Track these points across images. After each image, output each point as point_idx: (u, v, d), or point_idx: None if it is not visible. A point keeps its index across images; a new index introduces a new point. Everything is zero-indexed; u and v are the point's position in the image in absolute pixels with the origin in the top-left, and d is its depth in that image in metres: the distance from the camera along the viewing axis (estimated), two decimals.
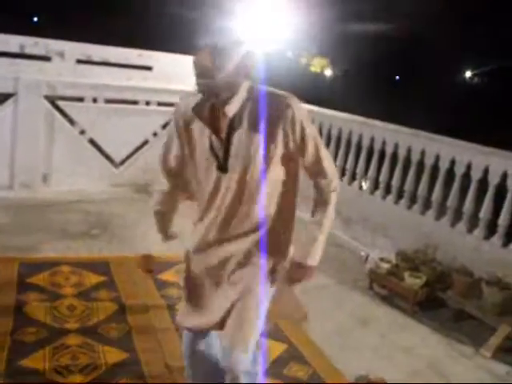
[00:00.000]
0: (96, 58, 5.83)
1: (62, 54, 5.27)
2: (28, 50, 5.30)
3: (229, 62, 1.63)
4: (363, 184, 5.17)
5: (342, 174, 5.18)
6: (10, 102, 5.15)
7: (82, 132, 5.66)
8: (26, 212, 4.76)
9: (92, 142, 5.77)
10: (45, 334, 2.89)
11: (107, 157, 5.89)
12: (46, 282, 3.48)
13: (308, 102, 4.55)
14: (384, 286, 3.97)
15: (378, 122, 5.09)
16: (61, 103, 5.40)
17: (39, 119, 5.25)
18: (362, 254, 4.54)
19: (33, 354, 2.69)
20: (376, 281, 4.00)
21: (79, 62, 5.70)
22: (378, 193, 4.84)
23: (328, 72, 44.39)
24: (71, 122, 5.57)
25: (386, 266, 3.95)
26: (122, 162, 5.97)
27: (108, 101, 5.81)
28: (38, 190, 5.31)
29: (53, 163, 5.37)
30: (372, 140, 4.95)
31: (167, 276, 3.76)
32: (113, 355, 2.76)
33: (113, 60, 5.89)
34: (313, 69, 43.58)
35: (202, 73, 1.63)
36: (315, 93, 12.74)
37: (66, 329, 2.96)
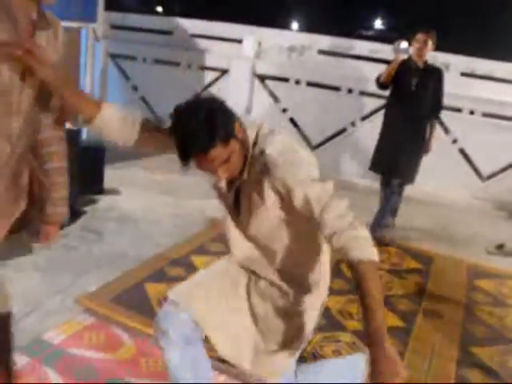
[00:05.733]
0: (480, 72, 5.92)
1: (447, 66, 5.56)
2: None
3: None
4: None
5: None
6: None
7: (455, 141, 5.88)
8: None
9: (462, 151, 5.93)
10: (492, 334, 3.17)
11: (475, 169, 5.96)
12: (491, 288, 3.83)
13: None
14: None
15: None
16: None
17: None
18: None
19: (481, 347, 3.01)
20: None
21: (463, 74, 5.89)
22: None
23: None
24: (445, 129, 5.84)
25: None
26: (490, 177, 5.94)
27: (485, 114, 5.84)
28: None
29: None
30: None
31: None
32: None
33: (498, 75, 5.87)
34: None
35: None
36: None
37: None
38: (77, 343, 2.55)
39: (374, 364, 1.39)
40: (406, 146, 4.36)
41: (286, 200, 1.64)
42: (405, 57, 4.30)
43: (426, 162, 5.59)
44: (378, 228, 4.45)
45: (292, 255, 1.80)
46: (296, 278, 1.85)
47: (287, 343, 1.85)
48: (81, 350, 2.50)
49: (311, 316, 1.89)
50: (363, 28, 24.25)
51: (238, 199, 1.77)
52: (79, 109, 1.72)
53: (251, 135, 1.69)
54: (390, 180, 4.53)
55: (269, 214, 1.70)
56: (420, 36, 4.27)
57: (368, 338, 1.42)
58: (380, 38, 11.25)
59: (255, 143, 1.68)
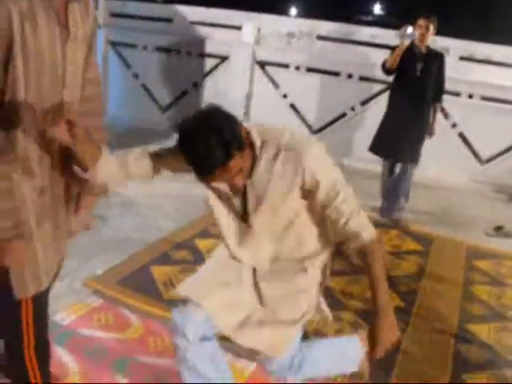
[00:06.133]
0: (478, 56, 5.95)
1: (446, 50, 5.58)
2: None
3: None
4: None
5: None
6: None
7: (454, 125, 5.93)
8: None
9: (461, 135, 5.98)
10: (488, 312, 3.25)
11: (474, 152, 6.01)
12: (489, 268, 3.91)
13: None
14: None
15: None
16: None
17: None
18: None
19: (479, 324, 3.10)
20: None
21: (462, 58, 5.92)
22: None
23: None
24: (445, 114, 5.89)
25: None
26: (489, 160, 6.00)
27: (484, 98, 5.88)
28: None
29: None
30: None
31: None
32: None
33: (496, 58, 5.90)
34: None
35: None
36: None
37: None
38: (86, 324, 2.62)
39: (380, 332, 1.64)
40: (411, 130, 4.47)
41: (305, 189, 1.72)
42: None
43: (426, 146, 5.64)
44: (392, 212, 4.62)
45: (297, 241, 1.86)
46: (298, 260, 1.91)
47: (289, 318, 1.91)
48: (90, 331, 2.58)
49: (314, 283, 1.95)
50: (362, 13, 24.19)
51: (245, 199, 1.82)
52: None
53: (255, 135, 1.73)
54: (393, 163, 4.67)
55: (286, 203, 1.76)
56: (422, 21, 4.34)
57: (377, 309, 1.65)
58: (379, 23, 11.25)
59: (264, 141, 1.74)
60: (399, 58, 4.37)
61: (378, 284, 1.66)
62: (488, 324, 3.12)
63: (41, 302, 1.78)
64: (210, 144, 1.55)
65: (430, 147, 5.73)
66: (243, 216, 1.85)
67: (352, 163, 5.82)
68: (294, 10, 26.20)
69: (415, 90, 4.42)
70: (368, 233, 1.69)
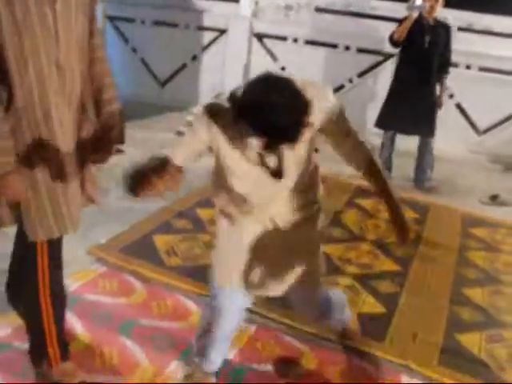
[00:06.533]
0: (477, 27, 5.94)
1: (445, 21, 5.56)
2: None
3: None
4: None
5: None
6: (391, 60, 5.88)
7: (451, 96, 5.94)
8: None
9: (458, 106, 6.01)
10: (482, 276, 3.35)
11: (471, 123, 6.05)
12: (484, 235, 3.99)
13: None
14: None
15: None
16: None
17: None
18: None
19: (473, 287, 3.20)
20: None
21: (460, 29, 5.91)
22: None
23: None
24: None
25: None
26: (486, 131, 6.04)
27: (482, 69, 5.90)
28: (400, 140, 5.89)
29: None
30: None
31: None
32: None
33: (496, 29, 5.89)
34: None
35: None
36: None
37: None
38: (92, 290, 2.71)
39: (396, 209, 1.87)
40: (421, 102, 4.55)
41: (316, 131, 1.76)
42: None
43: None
44: (423, 183, 4.81)
45: (304, 184, 1.89)
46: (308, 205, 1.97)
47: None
48: (96, 296, 2.67)
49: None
50: None
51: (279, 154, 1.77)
52: None
53: None
54: (393, 135, 4.77)
55: (305, 152, 1.79)
56: None
57: (384, 193, 1.90)
58: None
59: None
60: (407, 30, 4.39)
61: (387, 184, 1.89)
62: (482, 288, 3.21)
63: (55, 251, 1.91)
64: (299, 111, 1.53)
65: None
66: (274, 172, 1.79)
67: None
68: None
69: (423, 61, 4.46)
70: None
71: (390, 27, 5.90)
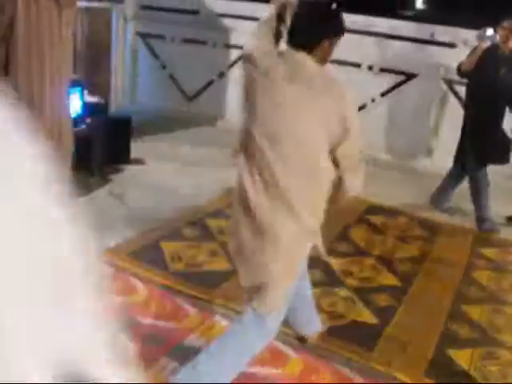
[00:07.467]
0: None
1: (466, 42, 5.61)
2: (437, 37, 5.87)
3: None
4: None
5: None
6: (413, 80, 5.96)
7: None
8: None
9: None
10: (484, 295, 3.36)
11: None
12: (494, 255, 3.99)
13: None
14: None
15: None
16: (457, 87, 5.82)
17: (434, 98, 5.90)
18: None
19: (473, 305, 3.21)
20: None
21: None
22: None
23: None
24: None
25: None
26: None
27: None
28: (421, 161, 5.98)
29: (439, 139, 5.88)
30: None
31: None
32: None
33: None
34: None
35: None
36: None
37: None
38: None
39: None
40: (500, 130, 4.35)
41: None
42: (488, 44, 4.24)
43: (445, 136, 5.75)
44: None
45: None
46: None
47: None
48: None
49: None
50: (404, 8, 23.81)
51: None
52: None
53: None
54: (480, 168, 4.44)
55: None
56: (506, 23, 4.20)
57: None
58: (422, 17, 11.14)
59: None
60: (476, 60, 4.23)
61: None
62: (482, 306, 3.22)
63: None
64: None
65: (447, 136, 5.83)
66: None
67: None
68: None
69: (497, 92, 4.22)
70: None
71: (413, 47, 6.00)
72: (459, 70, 4.46)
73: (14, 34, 1.95)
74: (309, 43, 1.90)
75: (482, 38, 4.28)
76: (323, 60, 1.94)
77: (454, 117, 5.86)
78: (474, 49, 4.34)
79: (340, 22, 1.97)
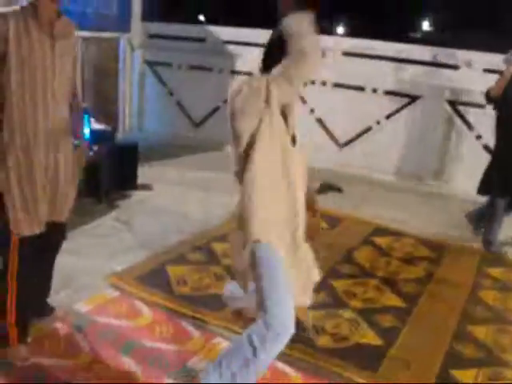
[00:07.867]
0: (503, 68, 5.97)
1: (469, 64, 5.67)
2: (440, 59, 5.94)
3: None
4: None
5: None
6: (418, 102, 6.03)
7: (479, 137, 5.97)
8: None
9: (486, 147, 6.00)
10: (490, 315, 3.35)
11: None
12: (501, 275, 3.97)
13: None
14: None
15: None
16: (461, 108, 5.87)
17: (439, 120, 5.95)
18: None
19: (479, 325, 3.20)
20: None
21: (486, 71, 5.97)
22: None
23: None
24: (469, 126, 5.95)
25: None
26: None
27: None
28: (428, 182, 6.03)
29: (446, 160, 5.92)
30: None
31: None
32: None
33: None
34: None
35: None
36: None
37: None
38: (101, 312, 2.89)
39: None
40: None
41: None
42: None
43: (453, 158, 5.78)
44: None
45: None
46: None
47: None
48: (103, 318, 2.84)
49: None
50: (411, 30, 24.12)
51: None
52: None
53: None
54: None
55: None
56: None
57: None
58: (429, 40, 11.22)
59: None
60: (505, 84, 4.07)
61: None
62: (487, 325, 3.20)
63: (30, 248, 2.35)
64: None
65: (455, 158, 5.87)
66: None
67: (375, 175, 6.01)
68: (340, 29, 26.35)
69: None
70: None
71: (417, 70, 6.06)
72: (488, 96, 4.27)
73: (7, 66, 2.13)
74: None
75: (509, 61, 4.14)
76: None
77: (460, 139, 5.94)
78: (502, 73, 4.18)
79: None
